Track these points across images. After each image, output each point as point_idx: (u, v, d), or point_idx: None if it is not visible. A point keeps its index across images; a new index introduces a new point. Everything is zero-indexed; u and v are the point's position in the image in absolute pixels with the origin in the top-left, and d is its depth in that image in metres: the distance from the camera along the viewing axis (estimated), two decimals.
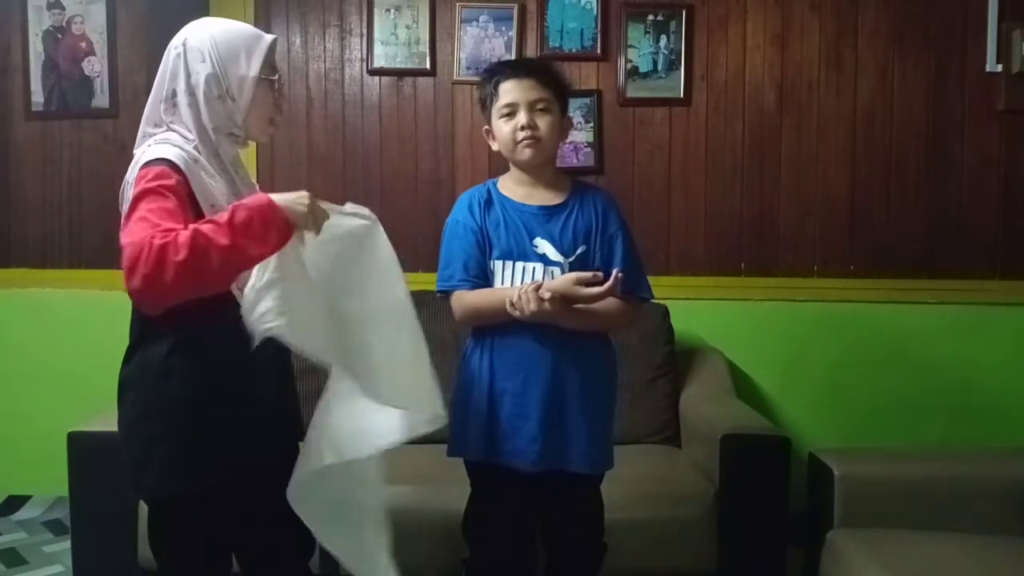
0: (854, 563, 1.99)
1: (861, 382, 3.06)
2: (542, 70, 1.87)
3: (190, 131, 1.54)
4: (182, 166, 1.45)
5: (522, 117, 1.81)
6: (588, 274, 1.72)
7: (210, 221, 1.37)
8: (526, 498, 1.87)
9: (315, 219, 1.45)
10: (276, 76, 1.61)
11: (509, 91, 1.83)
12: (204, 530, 1.58)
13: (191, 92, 1.53)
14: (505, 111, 1.83)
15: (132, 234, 1.34)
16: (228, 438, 1.53)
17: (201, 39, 1.54)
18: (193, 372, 1.49)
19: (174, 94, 1.54)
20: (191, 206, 1.45)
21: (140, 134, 1.59)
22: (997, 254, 3.05)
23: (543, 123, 1.81)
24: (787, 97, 3.06)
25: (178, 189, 1.43)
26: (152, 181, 1.41)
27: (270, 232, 1.38)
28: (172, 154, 1.47)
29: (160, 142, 1.52)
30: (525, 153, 1.83)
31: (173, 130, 1.54)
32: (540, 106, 1.81)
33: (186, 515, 1.57)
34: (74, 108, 3.16)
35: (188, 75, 1.53)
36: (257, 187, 1.71)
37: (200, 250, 1.31)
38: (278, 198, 1.42)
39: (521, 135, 1.81)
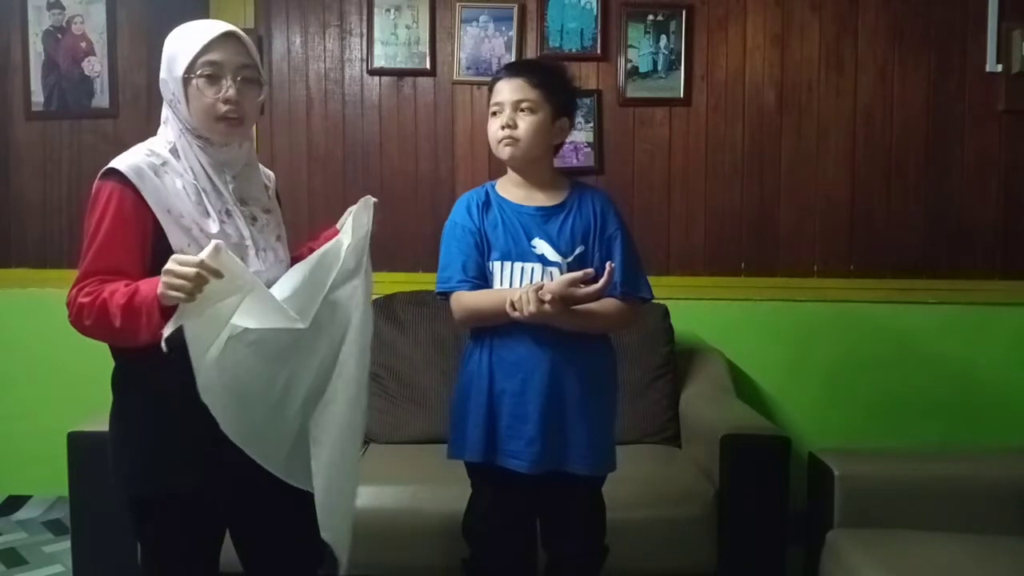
0: (854, 563, 1.99)
1: (861, 382, 3.07)
2: (534, 71, 1.87)
3: (173, 133, 1.57)
4: (131, 176, 1.48)
5: (503, 116, 1.82)
6: (580, 273, 1.71)
7: (126, 289, 1.42)
8: (527, 499, 1.87)
9: (178, 297, 1.35)
10: (205, 72, 1.53)
11: (499, 91, 1.85)
12: (178, 532, 1.58)
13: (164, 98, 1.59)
14: (493, 109, 1.86)
15: (82, 265, 1.50)
16: (198, 443, 1.51)
17: (165, 45, 1.58)
18: (165, 374, 1.45)
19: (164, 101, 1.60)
20: (146, 211, 1.49)
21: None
22: (997, 254, 3.05)
23: (523, 123, 1.82)
24: (787, 97, 3.06)
25: (121, 207, 1.48)
26: (102, 204, 1.49)
27: (151, 325, 1.39)
28: (126, 161, 1.50)
29: (140, 145, 1.57)
30: (503, 152, 1.85)
31: (162, 132, 1.59)
32: (523, 106, 1.82)
33: (158, 516, 1.58)
34: (74, 108, 3.16)
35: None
36: (267, 185, 1.72)
37: (102, 322, 1.43)
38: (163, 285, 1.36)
39: (500, 134, 1.83)
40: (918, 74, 3.03)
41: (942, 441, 3.02)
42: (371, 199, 1.65)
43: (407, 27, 3.07)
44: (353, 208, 1.65)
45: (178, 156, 1.56)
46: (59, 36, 3.15)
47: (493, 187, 1.92)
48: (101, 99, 3.15)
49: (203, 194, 1.55)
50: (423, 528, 2.26)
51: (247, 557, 1.72)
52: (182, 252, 1.45)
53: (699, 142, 3.08)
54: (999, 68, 2.98)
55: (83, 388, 3.04)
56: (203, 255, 1.34)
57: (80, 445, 2.30)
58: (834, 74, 3.05)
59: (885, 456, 2.46)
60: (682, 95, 3.05)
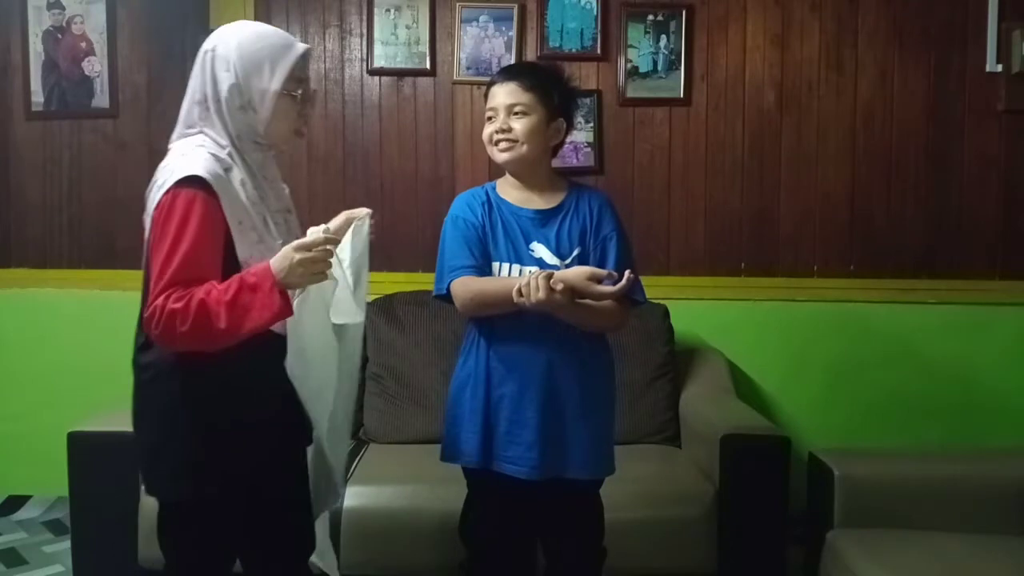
0: (854, 563, 1.99)
1: (861, 382, 3.07)
2: (527, 74, 1.86)
3: (222, 137, 1.55)
4: (214, 184, 1.47)
5: (497, 121, 1.82)
6: (604, 272, 1.70)
7: (221, 288, 1.42)
8: (525, 502, 1.85)
9: (319, 276, 1.47)
10: (300, 91, 1.59)
11: (492, 96, 1.85)
12: (211, 532, 1.59)
13: (217, 99, 1.54)
14: (488, 115, 1.86)
15: (158, 280, 1.42)
16: (237, 443, 1.54)
17: (228, 47, 1.54)
18: (207, 376, 1.50)
19: (206, 98, 1.55)
20: (221, 221, 1.48)
21: (176, 134, 1.60)
22: (997, 254, 3.05)
23: (518, 126, 1.81)
24: (787, 97, 3.06)
25: (208, 216, 1.46)
26: (186, 211, 1.45)
27: (265, 314, 1.42)
28: (205, 168, 1.47)
29: (197, 147, 1.52)
30: (499, 156, 1.84)
31: (206, 134, 1.55)
32: (516, 110, 1.81)
33: (194, 516, 1.58)
34: (74, 108, 3.16)
35: (215, 82, 1.54)
36: (287, 190, 1.72)
37: (201, 325, 1.39)
38: (279, 272, 1.42)
39: (495, 138, 1.83)
40: (918, 74, 3.03)
41: (942, 441, 3.02)
42: (367, 212, 1.69)
43: (407, 27, 3.07)
44: (354, 220, 1.67)
45: (236, 163, 1.54)
46: (59, 36, 3.15)
47: (493, 188, 1.91)
48: (101, 99, 3.15)
49: (260, 204, 1.56)
50: (422, 528, 2.26)
51: (245, 555, 1.73)
52: (246, 263, 1.49)
53: (699, 142, 3.08)
54: (999, 68, 2.99)
55: (83, 388, 3.06)
56: (322, 235, 1.43)
57: (80, 445, 2.31)
58: (834, 74, 3.05)
59: (885, 456, 2.47)
60: (682, 95, 3.05)
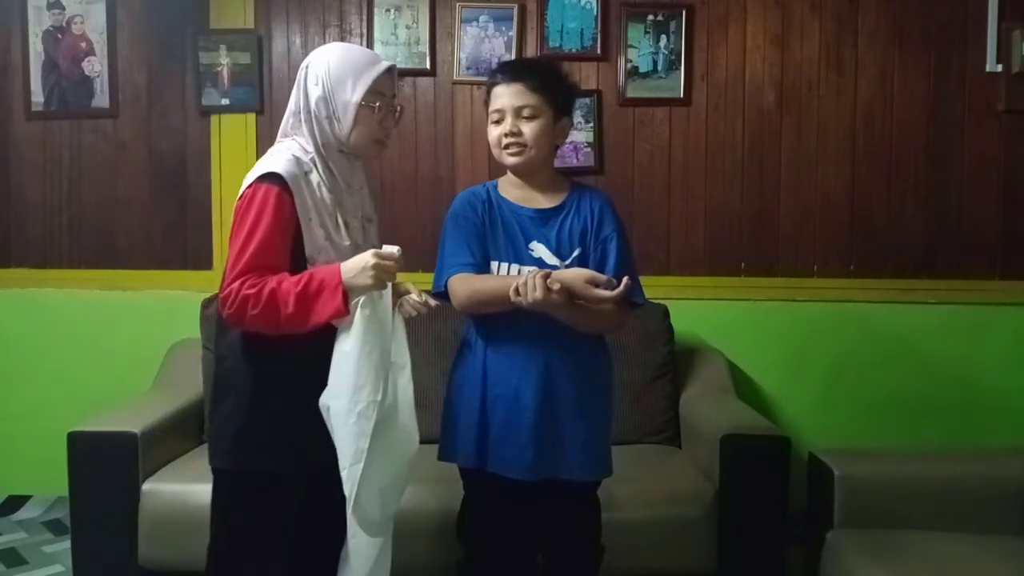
0: (854, 563, 1.99)
1: (861, 382, 3.06)
2: (532, 75, 1.83)
3: (309, 144, 1.70)
4: (290, 182, 1.62)
5: (506, 124, 1.81)
6: (602, 276, 1.69)
7: (293, 280, 1.57)
8: (522, 502, 1.84)
9: (382, 282, 1.60)
10: (377, 103, 1.70)
11: (498, 97, 1.83)
12: (258, 508, 1.67)
13: (308, 110, 1.70)
14: (494, 117, 1.84)
15: (234, 266, 1.59)
16: (289, 426, 1.64)
17: (320, 63, 1.70)
18: (270, 360, 1.64)
19: (299, 109, 1.71)
20: (293, 216, 1.62)
21: (277, 139, 1.77)
22: (997, 254, 3.05)
23: (527, 129, 1.80)
24: (787, 97, 3.06)
25: (281, 210, 1.61)
26: (262, 204, 1.60)
27: (327, 308, 1.56)
28: (284, 167, 1.63)
29: (284, 149, 1.69)
30: (508, 160, 1.83)
31: (296, 140, 1.71)
32: (526, 113, 1.80)
33: (245, 490, 1.68)
34: (74, 108, 3.16)
35: (306, 95, 1.70)
36: (367, 192, 1.81)
37: (272, 309, 1.55)
38: (347, 272, 1.57)
39: (505, 141, 1.81)
40: (918, 74, 3.03)
41: (942, 441, 3.02)
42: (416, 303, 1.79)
43: (407, 27, 3.07)
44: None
45: (317, 168, 1.68)
46: (59, 36, 3.15)
47: (495, 187, 1.90)
48: (101, 99, 3.15)
49: (337, 207, 1.69)
50: (421, 527, 2.26)
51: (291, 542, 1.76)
52: (312, 260, 1.64)
53: (699, 142, 3.08)
54: (999, 68, 2.99)
55: (83, 388, 3.06)
56: (396, 252, 1.59)
57: (80, 445, 2.31)
58: (834, 74, 3.05)
59: (885, 456, 2.47)
60: (682, 95, 3.05)
